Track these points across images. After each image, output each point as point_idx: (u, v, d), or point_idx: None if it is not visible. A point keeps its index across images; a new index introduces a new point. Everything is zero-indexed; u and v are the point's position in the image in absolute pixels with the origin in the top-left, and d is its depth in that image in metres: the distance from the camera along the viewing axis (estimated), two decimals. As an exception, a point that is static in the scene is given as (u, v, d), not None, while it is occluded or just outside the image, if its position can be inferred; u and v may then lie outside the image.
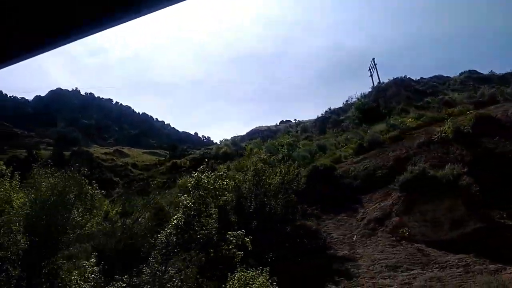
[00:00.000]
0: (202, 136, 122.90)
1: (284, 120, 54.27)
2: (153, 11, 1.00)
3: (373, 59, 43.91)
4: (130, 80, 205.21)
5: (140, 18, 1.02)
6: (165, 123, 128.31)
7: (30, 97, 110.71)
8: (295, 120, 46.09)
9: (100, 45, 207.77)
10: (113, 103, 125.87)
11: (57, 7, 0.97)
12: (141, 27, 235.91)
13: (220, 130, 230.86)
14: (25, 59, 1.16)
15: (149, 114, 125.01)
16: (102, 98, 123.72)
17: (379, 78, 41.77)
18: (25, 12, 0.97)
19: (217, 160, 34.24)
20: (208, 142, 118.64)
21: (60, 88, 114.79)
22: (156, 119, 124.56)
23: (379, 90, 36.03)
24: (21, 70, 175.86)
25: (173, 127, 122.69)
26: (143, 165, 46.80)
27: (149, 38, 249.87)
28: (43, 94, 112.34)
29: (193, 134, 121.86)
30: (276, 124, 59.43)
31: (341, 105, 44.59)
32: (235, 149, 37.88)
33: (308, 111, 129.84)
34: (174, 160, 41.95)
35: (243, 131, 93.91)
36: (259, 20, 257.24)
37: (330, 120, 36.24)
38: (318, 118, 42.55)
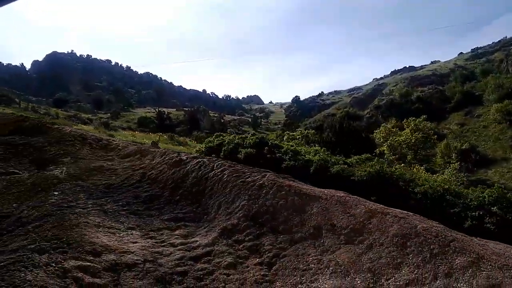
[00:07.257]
0: (211, 93, 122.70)
1: (408, 66, 59.22)
2: None
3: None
4: (91, 36, 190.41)
5: None
6: (168, 81, 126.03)
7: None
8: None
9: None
10: (112, 64, 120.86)
11: None
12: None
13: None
14: None
15: (152, 73, 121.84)
16: (100, 59, 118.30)
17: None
18: None
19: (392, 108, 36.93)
20: (226, 99, 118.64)
21: (56, 52, 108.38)
22: (160, 78, 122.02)
23: None
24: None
25: (180, 85, 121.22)
26: (235, 123, 48.66)
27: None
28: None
29: (201, 91, 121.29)
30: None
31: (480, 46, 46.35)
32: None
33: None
34: (331, 112, 45.10)
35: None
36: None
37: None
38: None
